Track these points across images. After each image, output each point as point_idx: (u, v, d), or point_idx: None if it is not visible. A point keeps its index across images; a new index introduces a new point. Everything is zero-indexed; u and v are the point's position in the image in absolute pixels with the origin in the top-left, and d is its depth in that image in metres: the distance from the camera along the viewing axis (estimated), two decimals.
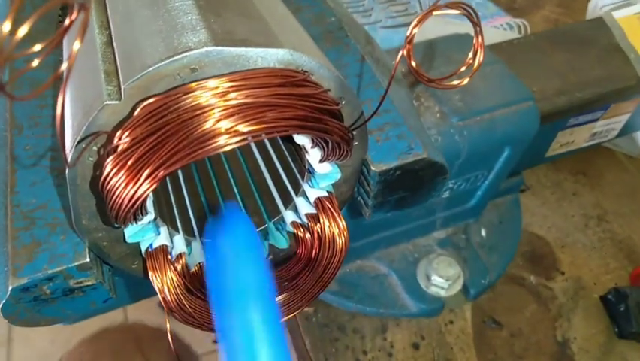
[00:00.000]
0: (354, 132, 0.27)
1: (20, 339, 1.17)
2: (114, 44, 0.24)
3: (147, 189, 0.21)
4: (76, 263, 0.26)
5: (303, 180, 0.29)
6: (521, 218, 0.60)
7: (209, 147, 0.20)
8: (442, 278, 0.52)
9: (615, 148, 0.67)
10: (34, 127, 0.30)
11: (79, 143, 0.21)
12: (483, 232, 0.57)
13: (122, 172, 0.21)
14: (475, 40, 0.20)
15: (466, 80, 0.21)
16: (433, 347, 0.51)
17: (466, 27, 0.60)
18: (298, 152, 0.29)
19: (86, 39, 0.26)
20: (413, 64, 0.20)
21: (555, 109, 0.51)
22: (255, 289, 0.20)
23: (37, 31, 0.17)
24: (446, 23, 0.69)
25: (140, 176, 0.21)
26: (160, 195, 0.29)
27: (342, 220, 0.29)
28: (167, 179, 0.31)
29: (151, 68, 0.21)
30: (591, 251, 0.58)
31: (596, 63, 0.53)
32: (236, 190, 0.33)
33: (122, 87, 0.21)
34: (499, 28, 0.74)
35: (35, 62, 0.17)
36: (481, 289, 0.54)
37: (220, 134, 0.20)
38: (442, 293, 0.53)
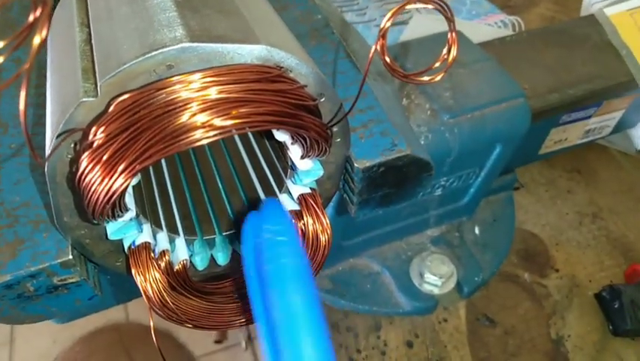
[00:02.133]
0: (334, 129, 0.27)
1: (22, 339, 1.17)
2: (92, 42, 0.24)
3: (122, 184, 0.21)
4: (59, 260, 0.26)
5: (286, 176, 0.29)
6: (515, 216, 0.59)
7: (184, 141, 0.20)
8: (435, 276, 0.52)
9: (609, 145, 0.66)
10: (18, 126, 0.30)
11: (56, 139, 0.22)
12: (476, 230, 0.57)
13: (97, 167, 0.21)
14: (449, 36, 0.20)
15: (439, 76, 0.21)
16: (426, 345, 0.51)
17: (459, 24, 0.60)
18: (281, 149, 0.29)
19: (66, 37, 0.26)
20: (387, 59, 0.20)
21: (547, 106, 0.51)
22: (298, 275, 0.21)
23: (10, 27, 0.17)
24: (436, 21, 0.69)
25: (115, 171, 0.21)
26: (143, 192, 0.29)
27: (326, 217, 0.29)
28: (152, 176, 0.31)
29: (126, 65, 0.21)
30: (586, 249, 0.58)
31: (588, 60, 0.53)
32: (221, 187, 0.33)
33: (98, 84, 0.21)
34: (493, 26, 0.74)
35: (0, 59, 0.17)
36: (474, 286, 0.54)
37: (195, 128, 0.20)
38: (436, 291, 0.53)
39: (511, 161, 0.53)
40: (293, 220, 0.25)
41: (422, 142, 0.43)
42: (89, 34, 0.25)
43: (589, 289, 0.54)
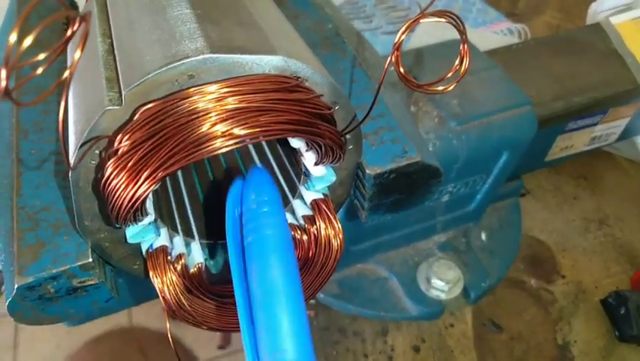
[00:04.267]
0: (347, 136, 0.27)
1: (26, 344, 1.18)
2: (115, 53, 0.25)
3: (146, 190, 0.22)
4: (79, 263, 0.27)
5: (299, 182, 0.30)
6: (521, 222, 0.60)
7: (206, 149, 0.21)
8: (442, 281, 0.53)
9: (616, 152, 0.67)
10: (39, 132, 0.31)
11: (81, 147, 0.22)
12: (483, 236, 0.58)
13: (122, 174, 0.22)
14: (461, 48, 0.21)
15: (452, 86, 0.22)
16: (433, 350, 0.51)
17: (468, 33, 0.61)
18: (295, 155, 0.30)
19: (89, 48, 0.27)
20: (401, 70, 0.21)
21: (553, 114, 0.51)
22: (280, 248, 0.21)
23: (43, 40, 0.18)
24: (444, 29, 0.70)
25: (140, 177, 0.21)
26: (161, 197, 0.30)
27: (338, 222, 0.29)
28: (168, 182, 0.32)
29: (150, 75, 0.22)
30: (592, 255, 0.58)
31: (594, 68, 0.54)
32: None
33: (123, 93, 0.22)
34: (499, 34, 0.75)
35: (40, 70, 0.18)
36: (481, 292, 0.54)
37: (216, 137, 0.21)
38: (443, 296, 0.53)
39: (518, 167, 0.53)
40: (278, 191, 0.25)
41: (430, 149, 0.44)
42: (112, 44, 0.26)
43: (595, 295, 0.55)
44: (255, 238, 0.21)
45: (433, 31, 0.71)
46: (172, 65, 0.22)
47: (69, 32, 0.17)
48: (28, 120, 0.32)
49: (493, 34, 0.74)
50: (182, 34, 0.24)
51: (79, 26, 0.17)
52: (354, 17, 0.78)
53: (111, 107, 0.22)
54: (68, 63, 0.29)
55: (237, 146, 0.21)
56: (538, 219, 0.61)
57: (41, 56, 0.18)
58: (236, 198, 0.24)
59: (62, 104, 0.18)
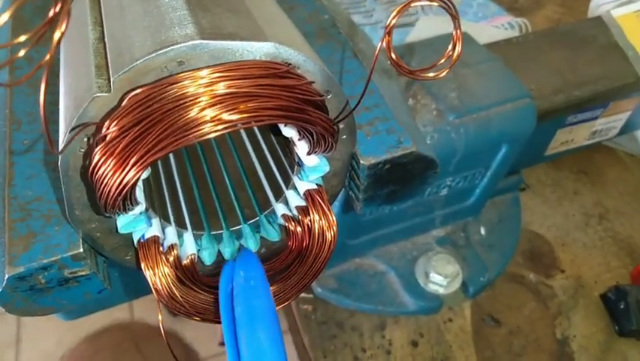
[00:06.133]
0: (341, 126, 0.27)
1: (28, 340, 1.19)
2: (105, 40, 0.24)
3: (134, 176, 0.21)
4: (70, 253, 0.27)
5: (293, 173, 0.30)
6: (521, 216, 0.59)
7: (194, 134, 0.21)
8: (440, 276, 0.53)
9: (616, 147, 0.66)
10: (32, 122, 0.31)
11: (69, 133, 0.22)
12: (482, 230, 0.57)
13: (109, 160, 0.21)
14: (453, 33, 0.21)
15: (444, 72, 0.21)
16: (431, 345, 0.51)
17: (466, 26, 0.61)
18: (288, 145, 0.30)
19: (80, 35, 0.27)
20: (393, 56, 0.21)
21: (553, 107, 0.51)
22: (265, 315, 0.25)
23: (35, 24, 0.18)
24: (443, 23, 0.70)
25: (128, 163, 0.21)
26: (153, 187, 0.30)
27: (332, 213, 0.29)
28: (161, 172, 0.32)
29: (139, 61, 0.22)
30: (592, 250, 0.58)
31: (594, 61, 0.54)
32: (228, 183, 0.33)
33: (112, 80, 0.22)
34: (500, 28, 0.74)
35: (22, 53, 0.18)
36: (480, 287, 0.54)
37: (204, 122, 0.21)
38: (441, 291, 0.53)
39: (518, 162, 0.53)
40: (263, 267, 0.28)
41: (428, 142, 0.44)
42: (102, 32, 0.26)
43: (595, 290, 0.54)
44: (244, 308, 0.25)
45: (434, 27, 0.71)
46: (161, 52, 0.22)
47: (51, 13, 0.16)
48: (22, 111, 0.31)
49: (493, 28, 0.73)
50: (172, 20, 0.23)
51: (62, 7, 0.17)
52: (354, 12, 0.77)
53: (100, 94, 0.22)
54: (61, 49, 0.29)
55: (226, 131, 0.21)
56: (537, 214, 0.61)
57: (22, 38, 0.18)
58: (228, 276, 0.27)
59: (42, 86, 0.18)
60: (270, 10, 0.29)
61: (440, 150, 0.45)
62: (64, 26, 0.17)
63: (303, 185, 0.29)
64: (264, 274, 0.28)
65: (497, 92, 0.47)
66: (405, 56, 0.49)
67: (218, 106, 0.21)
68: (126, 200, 0.23)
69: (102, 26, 0.26)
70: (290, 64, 0.23)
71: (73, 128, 0.22)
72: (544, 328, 0.52)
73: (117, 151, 0.21)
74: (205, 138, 0.21)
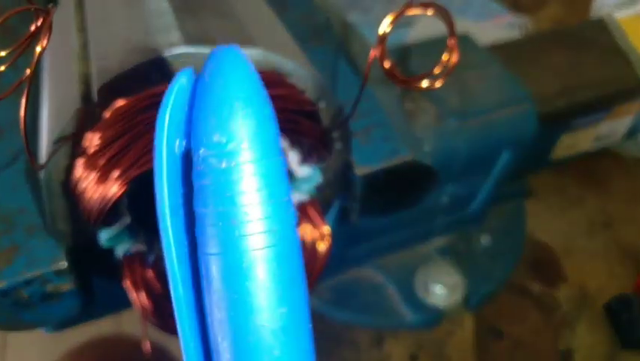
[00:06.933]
0: (334, 134, 0.26)
1: (16, 347, 1.17)
2: (89, 47, 0.24)
3: (117, 191, 0.21)
4: (53, 267, 0.26)
5: None
6: (525, 225, 0.58)
7: None
8: (441, 287, 0.51)
9: (621, 152, 0.65)
10: (15, 132, 0.30)
11: (51, 146, 0.21)
12: (485, 239, 0.56)
13: (92, 174, 0.20)
14: (448, 42, 0.20)
15: (438, 83, 0.20)
16: (431, 359, 0.50)
17: (466, 26, 0.59)
18: None
19: (64, 42, 0.26)
20: (386, 65, 0.20)
21: (555, 110, 0.50)
22: None
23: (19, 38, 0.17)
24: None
25: (110, 177, 0.20)
26: (138, 199, 0.29)
27: (325, 225, 0.28)
28: (148, 183, 0.31)
29: (123, 71, 0.21)
30: (596, 258, 0.56)
31: (597, 64, 0.52)
32: None
33: (94, 90, 0.21)
34: (501, 28, 0.73)
35: (2, 67, 0.17)
36: (482, 298, 0.52)
37: None
38: (442, 303, 0.52)
39: (521, 168, 0.52)
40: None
41: (427, 147, 0.43)
42: (86, 39, 0.25)
43: (599, 300, 0.53)
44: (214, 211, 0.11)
45: (434, 25, 0.70)
46: (145, 61, 0.21)
47: (32, 27, 0.16)
48: (4, 120, 0.31)
49: (495, 28, 0.72)
50: (157, 27, 0.23)
51: (43, 22, 0.16)
52: (352, 9, 0.76)
53: (82, 106, 0.21)
54: (46, 60, 0.28)
55: None
56: (541, 221, 0.59)
57: (2, 53, 0.18)
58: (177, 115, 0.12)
59: (23, 101, 0.17)
60: (260, 14, 0.28)
61: (440, 156, 0.44)
62: (45, 42, 0.17)
63: (295, 196, 0.28)
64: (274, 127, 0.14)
65: (498, 95, 0.46)
66: (403, 59, 0.48)
67: None
68: (109, 213, 0.22)
69: (86, 33, 0.25)
70: (279, 72, 0.23)
71: (55, 141, 0.21)
72: (548, 340, 0.51)
73: (100, 164, 0.20)
74: None
